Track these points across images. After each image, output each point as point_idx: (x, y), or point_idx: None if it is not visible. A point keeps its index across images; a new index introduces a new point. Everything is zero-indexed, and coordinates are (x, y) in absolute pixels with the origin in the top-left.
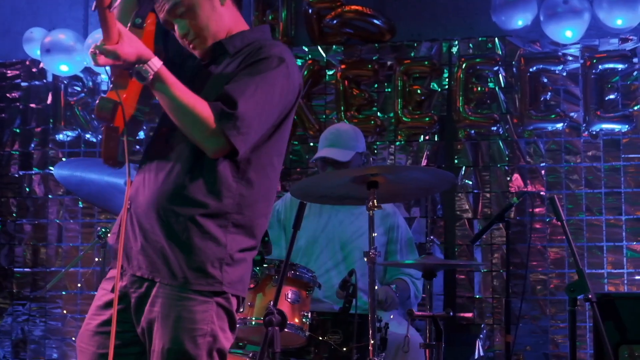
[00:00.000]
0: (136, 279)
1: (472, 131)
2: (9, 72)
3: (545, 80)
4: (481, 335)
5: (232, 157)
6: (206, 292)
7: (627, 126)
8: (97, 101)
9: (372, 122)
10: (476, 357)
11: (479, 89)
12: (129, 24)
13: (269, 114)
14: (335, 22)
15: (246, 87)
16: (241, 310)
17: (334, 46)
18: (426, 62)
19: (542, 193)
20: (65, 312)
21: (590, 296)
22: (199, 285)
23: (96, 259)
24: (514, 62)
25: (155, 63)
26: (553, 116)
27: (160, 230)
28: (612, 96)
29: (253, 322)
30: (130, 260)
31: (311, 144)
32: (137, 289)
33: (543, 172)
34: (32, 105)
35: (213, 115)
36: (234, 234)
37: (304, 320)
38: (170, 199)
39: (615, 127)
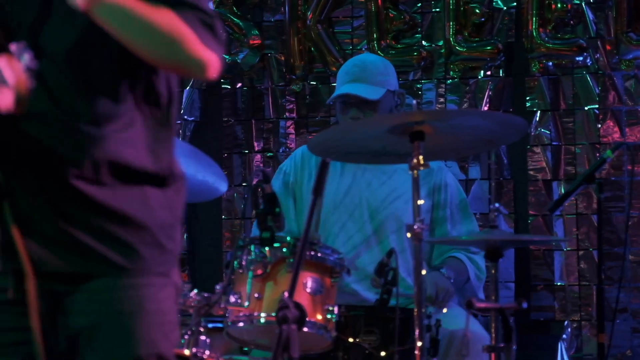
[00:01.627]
0: (46, 276)
1: (550, 63)
2: None
3: None
4: (565, 335)
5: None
6: (165, 272)
7: None
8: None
9: (415, 53)
10: None
11: (559, 5)
12: None
13: None
14: None
15: None
16: (246, 304)
17: None
18: None
19: None
20: None
21: None
22: (158, 265)
23: None
24: None
25: None
26: None
27: (88, 205)
28: None
29: (262, 320)
30: (32, 252)
31: (333, 84)
32: (48, 287)
33: None
34: None
35: (192, 28)
36: (172, 183)
37: (328, 316)
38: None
39: None
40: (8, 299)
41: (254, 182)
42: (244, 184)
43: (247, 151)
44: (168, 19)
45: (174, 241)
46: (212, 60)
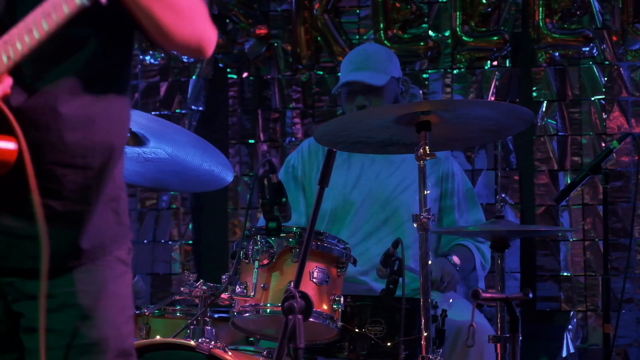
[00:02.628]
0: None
1: (557, 54)
2: None
3: None
4: (570, 326)
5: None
6: (120, 255)
7: None
8: None
9: (422, 43)
10: (564, 354)
11: None
12: None
13: None
14: None
15: None
16: (252, 294)
17: None
18: None
19: None
20: None
21: None
22: (119, 250)
23: None
24: None
25: None
26: None
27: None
28: None
29: (268, 310)
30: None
31: (340, 74)
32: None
33: None
34: None
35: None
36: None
37: (334, 306)
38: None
39: None
40: None
41: (260, 172)
42: (250, 173)
43: (253, 141)
44: None
45: (128, 220)
46: (215, 36)
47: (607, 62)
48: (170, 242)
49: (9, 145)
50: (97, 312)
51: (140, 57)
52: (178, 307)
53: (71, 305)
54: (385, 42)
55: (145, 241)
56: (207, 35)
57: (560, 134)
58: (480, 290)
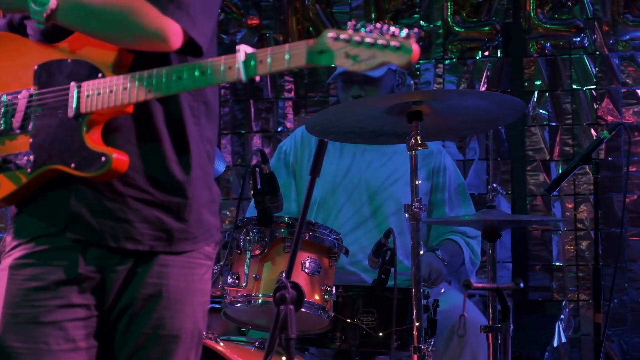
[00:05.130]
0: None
1: (548, 44)
2: None
3: None
4: (562, 316)
5: (193, 55)
6: (209, 251)
7: None
8: None
9: None
10: (556, 343)
11: None
12: None
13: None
14: None
15: None
16: (243, 285)
17: None
18: None
19: None
20: None
21: None
22: (205, 241)
23: None
24: None
25: None
26: None
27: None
28: None
29: (260, 301)
30: (101, 227)
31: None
32: (120, 261)
33: None
34: None
35: (151, 3)
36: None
37: (326, 297)
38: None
39: None
40: (75, 276)
41: (252, 163)
42: (242, 164)
43: (245, 131)
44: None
45: (217, 216)
46: (171, 29)
47: (598, 53)
48: None
49: (124, 158)
50: (182, 307)
51: None
52: None
53: (160, 296)
54: None
55: None
56: (153, 31)
57: (551, 124)
58: (472, 280)
